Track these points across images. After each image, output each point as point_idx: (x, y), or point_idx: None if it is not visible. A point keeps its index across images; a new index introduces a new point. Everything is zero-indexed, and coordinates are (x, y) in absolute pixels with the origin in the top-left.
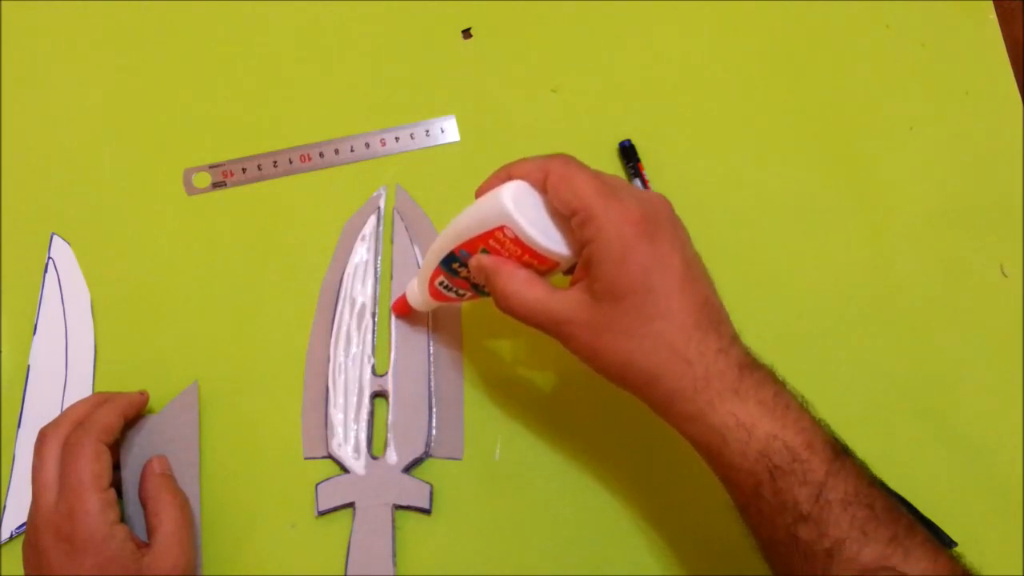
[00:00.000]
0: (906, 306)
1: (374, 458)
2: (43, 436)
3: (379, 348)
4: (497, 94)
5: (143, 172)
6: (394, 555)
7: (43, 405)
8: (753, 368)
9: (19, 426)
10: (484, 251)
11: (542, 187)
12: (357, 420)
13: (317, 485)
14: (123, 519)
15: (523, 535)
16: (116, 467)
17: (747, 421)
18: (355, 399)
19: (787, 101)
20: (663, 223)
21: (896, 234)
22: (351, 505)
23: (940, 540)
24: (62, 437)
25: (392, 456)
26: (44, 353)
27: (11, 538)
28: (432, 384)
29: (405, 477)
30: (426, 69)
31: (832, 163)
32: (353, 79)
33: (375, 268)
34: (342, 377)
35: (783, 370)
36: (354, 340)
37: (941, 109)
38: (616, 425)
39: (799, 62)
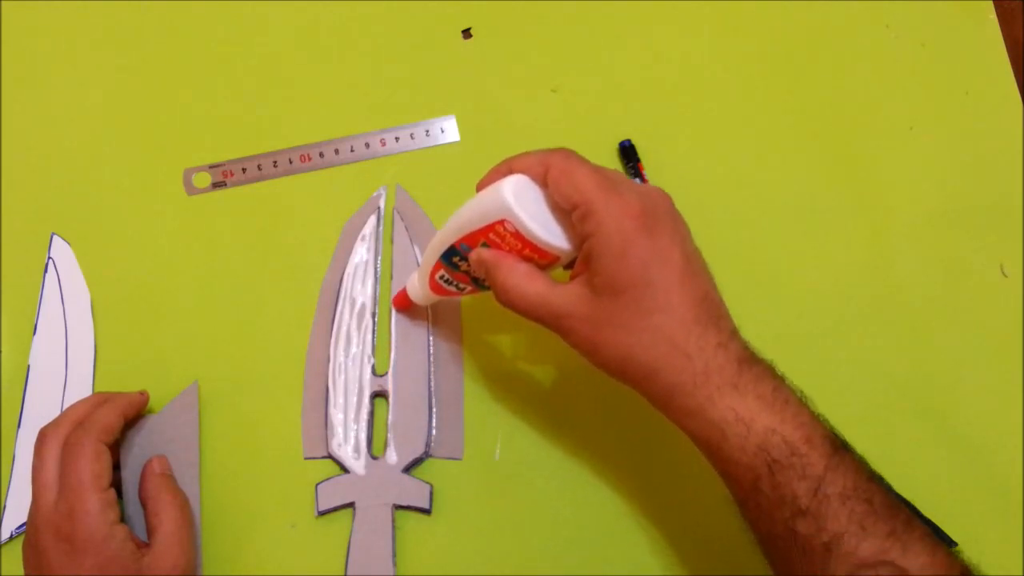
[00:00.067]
0: (906, 306)
1: (374, 458)
2: (43, 436)
3: (379, 348)
4: (497, 94)
5: (143, 172)
6: (394, 555)
7: (43, 405)
8: (752, 363)
9: (19, 426)
10: (485, 245)
11: (543, 181)
12: (357, 420)
13: (317, 485)
14: (123, 519)
15: (523, 535)
16: (116, 467)
17: (746, 415)
18: (355, 399)
19: (787, 101)
20: (663, 217)
21: (896, 234)
22: (351, 505)
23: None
24: (62, 437)
25: (392, 456)
26: (44, 353)
27: (11, 538)
28: (432, 384)
29: (405, 477)
30: (426, 69)
31: (832, 163)
32: (353, 79)
33: (375, 268)
34: (342, 377)
35: (783, 370)
36: (354, 340)
37: (941, 109)
38: (616, 425)
39: (799, 62)
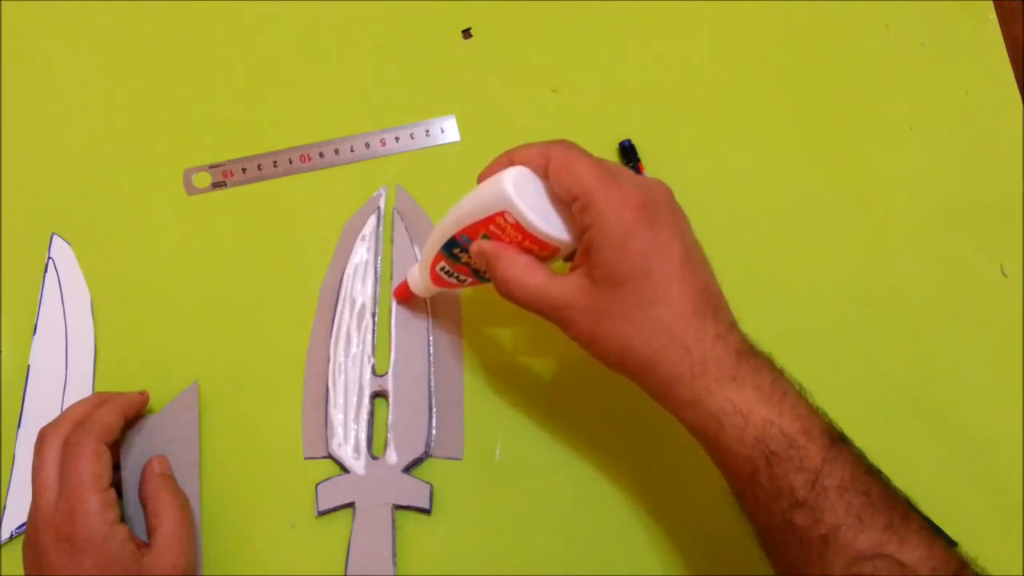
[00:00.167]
0: (906, 306)
1: (374, 458)
2: (43, 436)
3: (379, 348)
4: (497, 94)
5: (143, 172)
6: (394, 555)
7: (43, 405)
8: (751, 355)
9: (19, 426)
10: (485, 236)
11: (543, 173)
12: (357, 420)
13: (317, 485)
14: (123, 519)
15: (523, 535)
16: (116, 467)
17: (744, 407)
18: (355, 399)
19: (787, 101)
20: (663, 209)
21: (896, 234)
22: (351, 505)
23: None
24: (62, 437)
25: (392, 456)
26: (44, 353)
27: (11, 538)
28: (432, 384)
29: (405, 477)
30: (426, 69)
31: (832, 163)
32: (353, 79)
33: (375, 268)
34: (342, 377)
35: (783, 368)
36: (354, 340)
37: (941, 109)
38: (616, 424)
39: (799, 62)
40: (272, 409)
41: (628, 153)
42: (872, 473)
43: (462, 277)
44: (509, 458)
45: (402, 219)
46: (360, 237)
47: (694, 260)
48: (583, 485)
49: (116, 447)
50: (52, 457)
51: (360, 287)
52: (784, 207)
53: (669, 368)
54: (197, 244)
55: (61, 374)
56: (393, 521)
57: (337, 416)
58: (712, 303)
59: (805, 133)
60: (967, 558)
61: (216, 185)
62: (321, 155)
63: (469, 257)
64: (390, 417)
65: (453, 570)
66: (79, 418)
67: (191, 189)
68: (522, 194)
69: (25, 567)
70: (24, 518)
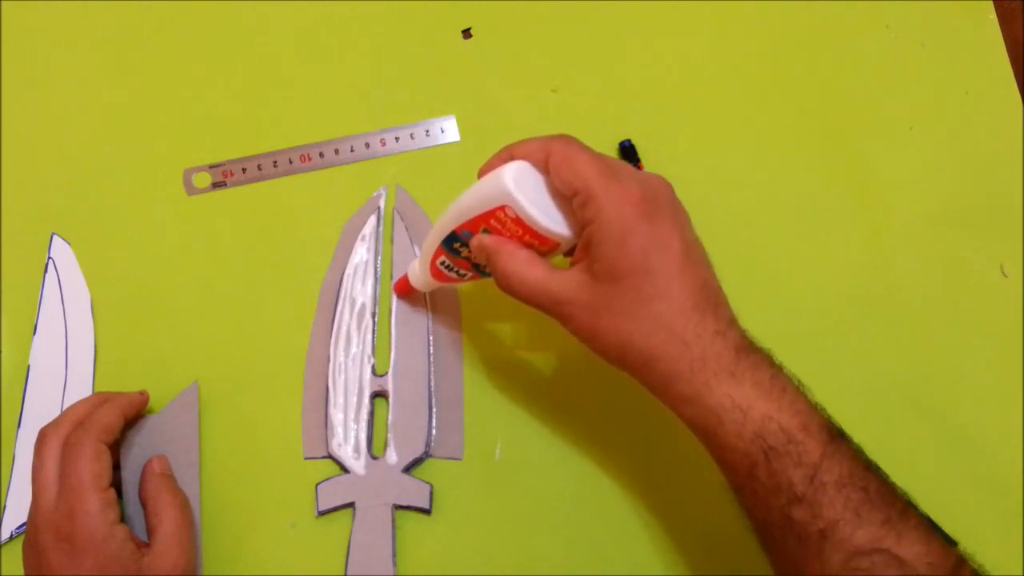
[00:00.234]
0: (906, 306)
1: (374, 458)
2: (43, 436)
3: (379, 348)
4: (497, 94)
5: (143, 172)
6: (394, 555)
7: (43, 405)
8: (750, 351)
9: (19, 426)
10: (485, 231)
11: (544, 167)
12: (357, 420)
13: (317, 485)
14: (123, 519)
15: (523, 535)
16: (116, 467)
17: (743, 402)
18: (355, 399)
19: (787, 101)
20: (663, 205)
21: (896, 234)
22: (351, 505)
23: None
24: (62, 437)
25: (392, 456)
26: (44, 353)
27: (11, 538)
28: (432, 384)
29: (405, 477)
30: (426, 69)
31: (832, 163)
32: (353, 79)
33: (375, 268)
34: (342, 377)
35: None
36: (354, 340)
37: (941, 109)
38: (617, 425)
39: (799, 62)
40: (272, 409)
41: (628, 153)
42: (870, 469)
43: (462, 272)
44: (509, 458)
45: (402, 219)
46: (360, 237)
47: (694, 256)
48: (583, 485)
49: (116, 447)
50: (52, 457)
51: (360, 287)
52: (784, 207)
53: (668, 363)
54: (197, 244)
55: (61, 374)
56: (393, 521)
57: (337, 416)
58: (712, 299)
59: (805, 133)
60: (965, 555)
61: (216, 185)
62: (321, 155)
63: (469, 251)
64: (390, 417)
65: (453, 570)
66: (79, 418)
67: (191, 189)
68: (523, 189)
69: (25, 567)
70: (24, 518)
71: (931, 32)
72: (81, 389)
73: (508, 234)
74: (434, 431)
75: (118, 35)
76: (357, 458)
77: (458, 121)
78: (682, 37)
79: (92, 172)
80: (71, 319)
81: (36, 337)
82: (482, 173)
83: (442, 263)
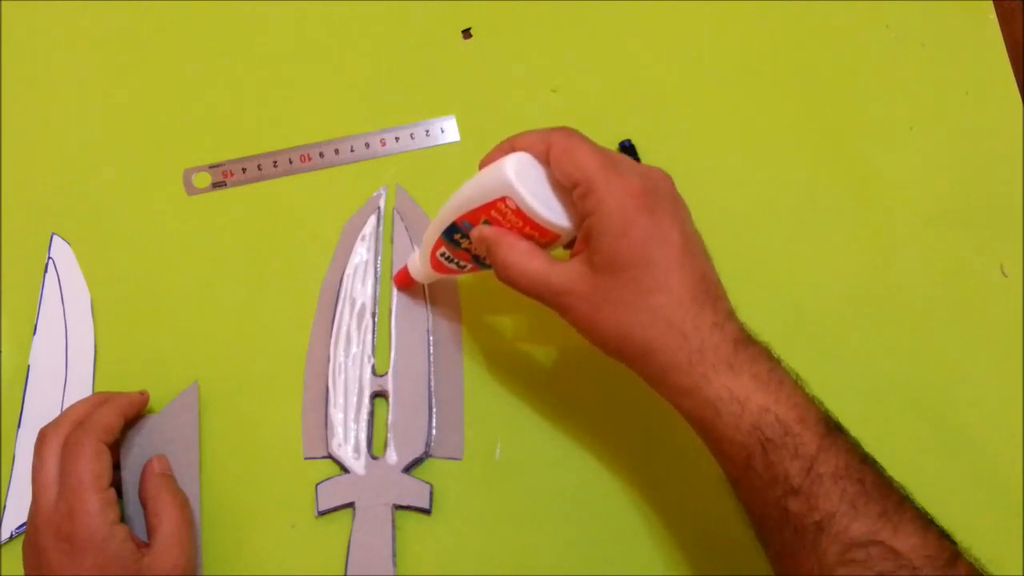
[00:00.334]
0: (906, 306)
1: (374, 458)
2: (43, 436)
3: (379, 348)
4: (497, 94)
5: (143, 172)
6: (394, 555)
7: (43, 405)
8: (748, 343)
9: (19, 426)
10: (486, 222)
11: (545, 159)
12: (357, 420)
13: (317, 485)
14: (123, 519)
15: (523, 535)
16: (116, 467)
17: (741, 394)
18: (355, 399)
19: (787, 101)
20: (664, 197)
21: (896, 234)
22: (351, 505)
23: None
24: (62, 437)
25: (392, 456)
26: (44, 353)
27: (11, 538)
28: (432, 384)
29: (405, 477)
30: (426, 69)
31: (832, 163)
32: (353, 79)
33: (375, 268)
34: (342, 377)
35: None
36: (354, 340)
37: (941, 109)
38: (618, 425)
39: (799, 62)
40: (272, 409)
41: (628, 153)
42: (867, 462)
43: (462, 263)
44: (509, 458)
45: (402, 219)
46: (360, 237)
47: (693, 248)
48: (584, 485)
49: (116, 447)
50: (52, 457)
51: (360, 287)
52: (784, 207)
53: (667, 355)
54: (197, 244)
55: (61, 374)
56: (393, 521)
57: (337, 416)
58: (711, 292)
59: (805, 133)
60: (961, 547)
61: (216, 185)
62: (321, 155)
63: (470, 243)
64: (390, 417)
65: (453, 570)
66: (79, 418)
67: (191, 189)
68: (523, 180)
69: (25, 567)
70: (24, 518)
71: (931, 32)
72: (81, 389)
73: (508, 225)
74: (434, 431)
75: (118, 35)
76: (357, 458)
77: (458, 121)
78: (682, 37)
79: (92, 172)
80: (71, 319)
81: (36, 337)
82: (483, 165)
83: (442, 254)
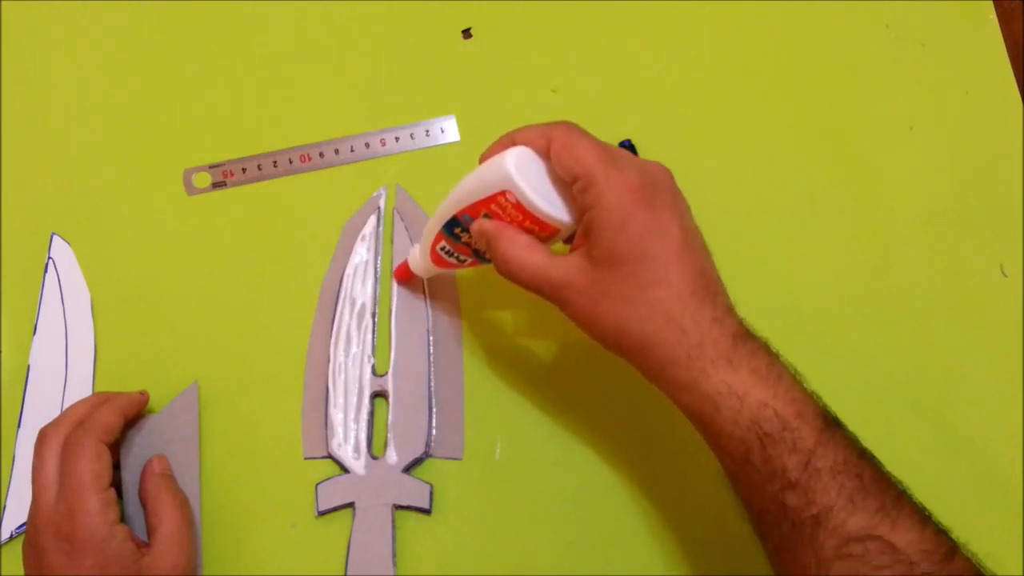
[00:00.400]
0: (906, 306)
1: (374, 458)
2: (43, 436)
3: (379, 348)
4: (497, 94)
5: (143, 172)
6: (394, 555)
7: (43, 405)
8: (747, 338)
9: (19, 426)
10: (486, 216)
11: (545, 153)
12: (357, 420)
13: (317, 485)
14: (123, 519)
15: (523, 535)
16: (116, 467)
17: (739, 389)
18: (355, 399)
19: (787, 101)
20: (663, 192)
21: (896, 234)
22: (351, 505)
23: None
24: (62, 437)
25: (392, 456)
26: (44, 353)
27: (11, 538)
28: (432, 384)
29: (405, 477)
30: (426, 69)
31: (832, 163)
32: (353, 79)
33: (375, 268)
34: (342, 377)
35: None
36: (354, 340)
37: (941, 109)
38: (618, 425)
39: (799, 62)
40: (272, 409)
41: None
42: (865, 457)
43: (462, 257)
44: (509, 458)
45: (402, 219)
46: (360, 237)
47: (693, 243)
48: (584, 485)
49: (116, 447)
50: (52, 457)
51: (360, 287)
52: (784, 207)
53: (666, 349)
54: (197, 244)
55: (61, 374)
56: (393, 521)
57: (337, 416)
58: (710, 286)
59: (805, 133)
60: (958, 543)
61: (216, 185)
62: (321, 155)
63: (470, 237)
64: (390, 417)
65: (453, 570)
66: (79, 418)
67: (191, 189)
68: (523, 174)
69: (25, 567)
70: (24, 518)
71: (931, 32)
72: (81, 389)
73: (508, 219)
74: (434, 431)
75: (118, 35)
76: (357, 458)
77: (458, 121)
78: (682, 37)
79: (92, 172)
80: (71, 319)
81: (36, 337)
82: (483, 159)
83: (442, 248)
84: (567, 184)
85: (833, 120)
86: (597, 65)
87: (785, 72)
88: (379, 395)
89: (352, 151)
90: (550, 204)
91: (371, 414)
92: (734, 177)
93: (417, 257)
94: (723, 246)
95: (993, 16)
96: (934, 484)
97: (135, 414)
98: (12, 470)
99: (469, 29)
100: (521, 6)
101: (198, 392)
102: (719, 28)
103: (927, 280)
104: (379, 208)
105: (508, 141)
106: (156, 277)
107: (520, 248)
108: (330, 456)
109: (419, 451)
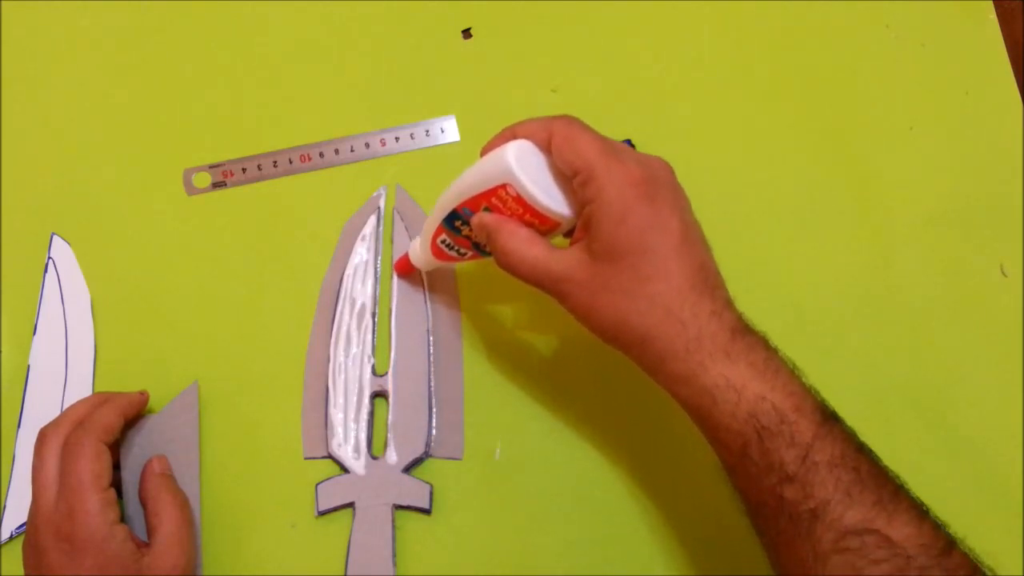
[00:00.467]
0: (906, 306)
1: (374, 458)
2: (43, 436)
3: (379, 348)
4: (497, 94)
5: (143, 172)
6: (394, 555)
7: (43, 405)
8: (745, 332)
9: (19, 426)
10: (487, 209)
11: (546, 147)
12: (357, 420)
13: (317, 485)
14: (123, 519)
15: (523, 535)
16: (116, 467)
17: (737, 382)
18: (355, 399)
19: (787, 101)
20: (663, 186)
21: (896, 234)
22: (351, 505)
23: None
24: (62, 437)
25: (392, 456)
26: (44, 353)
27: (11, 538)
28: (432, 384)
29: (405, 477)
30: (426, 69)
31: (832, 163)
32: (353, 79)
33: (375, 268)
34: (342, 377)
35: None
36: (354, 340)
37: (941, 109)
38: (619, 426)
39: (799, 62)
40: (272, 409)
41: None
42: (863, 451)
43: (463, 250)
44: (509, 458)
45: (402, 219)
46: (360, 237)
47: (692, 237)
48: (584, 485)
49: (116, 447)
50: (52, 457)
51: (360, 287)
52: (784, 207)
53: (664, 342)
54: (197, 244)
55: (61, 374)
56: (393, 521)
57: (337, 416)
58: (709, 280)
59: (805, 133)
60: (956, 538)
61: (216, 185)
62: (321, 155)
63: (470, 230)
64: (390, 417)
65: (453, 570)
66: (79, 418)
67: (191, 189)
68: (524, 167)
69: (25, 567)
70: (24, 518)
71: (931, 32)
72: (81, 389)
73: (509, 213)
74: (434, 431)
75: (118, 35)
76: (357, 458)
77: (458, 121)
78: (682, 37)
79: (92, 172)
80: (71, 319)
81: (36, 337)
82: (485, 152)
83: (443, 241)
84: (568, 178)
85: (833, 120)
86: (597, 65)
87: (785, 72)
88: (379, 395)
89: (352, 151)
90: (550, 198)
91: (371, 414)
92: (734, 177)
93: (417, 250)
94: (723, 246)
95: (993, 16)
96: (934, 484)
97: (135, 414)
98: (12, 470)
99: (469, 29)
100: (521, 6)
101: (198, 392)
102: (719, 28)
103: (927, 280)
104: (379, 208)
105: (509, 134)
106: (156, 277)
107: (520, 241)
108: (330, 456)
109: (419, 451)
